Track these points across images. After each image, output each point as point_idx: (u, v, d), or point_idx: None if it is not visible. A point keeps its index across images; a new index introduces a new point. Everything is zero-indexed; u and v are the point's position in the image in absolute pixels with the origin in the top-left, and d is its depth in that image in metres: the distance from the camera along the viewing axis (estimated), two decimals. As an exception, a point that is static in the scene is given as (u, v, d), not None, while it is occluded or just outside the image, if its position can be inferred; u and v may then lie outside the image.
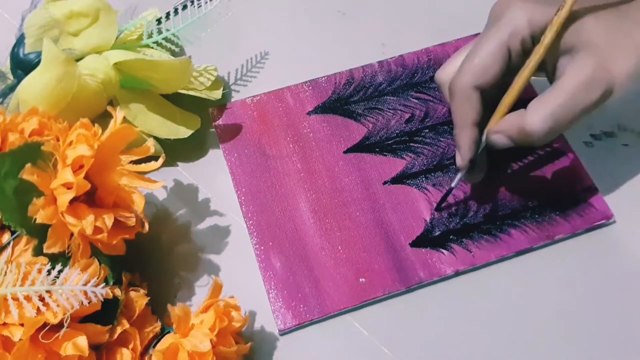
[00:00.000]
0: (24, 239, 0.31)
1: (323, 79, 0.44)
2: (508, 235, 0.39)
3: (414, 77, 0.45)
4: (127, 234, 0.33)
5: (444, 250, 0.38)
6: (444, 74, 0.37)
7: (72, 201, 0.29)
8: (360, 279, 0.37)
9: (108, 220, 0.31)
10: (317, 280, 0.37)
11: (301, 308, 0.36)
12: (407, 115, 0.43)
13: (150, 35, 0.41)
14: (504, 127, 0.34)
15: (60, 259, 0.30)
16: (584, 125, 0.43)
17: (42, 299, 0.27)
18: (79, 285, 0.28)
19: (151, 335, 0.33)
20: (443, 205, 0.39)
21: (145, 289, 0.34)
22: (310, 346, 0.36)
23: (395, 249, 0.38)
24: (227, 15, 0.48)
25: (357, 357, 0.36)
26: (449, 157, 0.41)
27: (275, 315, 0.36)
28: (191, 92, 0.41)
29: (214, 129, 0.43)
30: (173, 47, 0.41)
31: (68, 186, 0.29)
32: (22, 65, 0.39)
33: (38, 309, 0.27)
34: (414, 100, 0.44)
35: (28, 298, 0.27)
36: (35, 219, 0.29)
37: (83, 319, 0.30)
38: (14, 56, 0.39)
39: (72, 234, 0.30)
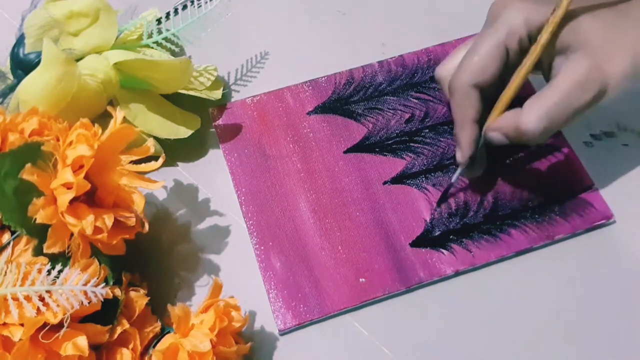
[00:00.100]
0: (24, 239, 0.31)
1: (323, 79, 0.44)
2: (508, 235, 0.39)
3: (414, 77, 0.45)
4: (127, 234, 0.33)
5: (444, 250, 0.38)
6: (444, 71, 0.38)
7: (72, 201, 0.29)
8: (360, 279, 0.37)
9: (108, 220, 0.31)
10: (317, 280, 0.37)
11: (301, 308, 0.36)
12: (407, 115, 0.43)
13: (150, 35, 0.41)
14: (501, 124, 0.34)
15: (60, 259, 0.30)
16: (584, 125, 0.43)
17: (42, 299, 0.27)
18: (79, 285, 0.28)
19: (151, 335, 0.33)
20: (444, 202, 0.40)
21: (145, 289, 0.34)
22: (310, 346, 0.36)
23: (395, 249, 0.38)
24: (227, 15, 0.48)
25: (357, 357, 0.36)
26: (449, 157, 0.41)
27: (275, 315, 0.36)
28: (191, 92, 0.41)
29: (214, 129, 0.43)
30: (173, 47, 0.41)
31: (68, 186, 0.29)
32: (22, 65, 0.39)
33: (38, 309, 0.27)
34: (414, 100, 0.44)
35: (28, 298, 0.27)
36: (35, 219, 0.29)
37: (83, 319, 0.30)
38: (14, 56, 0.39)
39: (72, 234, 0.30)
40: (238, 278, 0.37)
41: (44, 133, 0.34)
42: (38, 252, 0.30)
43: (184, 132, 0.40)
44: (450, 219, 0.39)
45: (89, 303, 0.28)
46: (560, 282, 0.38)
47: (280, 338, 0.36)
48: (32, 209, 0.28)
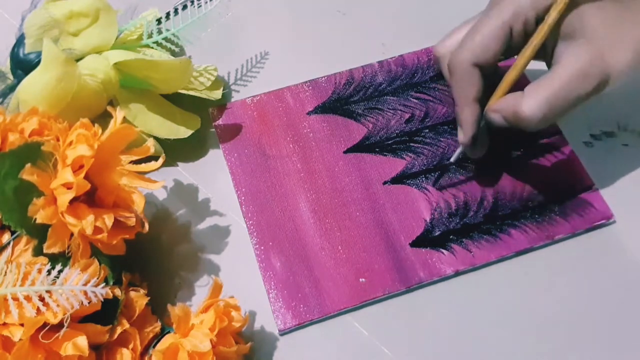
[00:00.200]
0: (24, 239, 0.31)
1: (323, 79, 0.44)
2: (508, 235, 0.39)
3: (414, 77, 0.45)
4: (127, 234, 0.33)
5: (444, 250, 0.38)
6: (442, 48, 0.37)
7: (72, 201, 0.29)
8: (360, 279, 0.37)
9: (108, 220, 0.31)
10: (317, 280, 0.37)
11: (301, 308, 0.36)
12: (407, 115, 0.43)
13: (150, 35, 0.41)
14: (501, 107, 0.34)
15: (60, 259, 0.30)
16: (584, 125, 0.43)
17: (42, 299, 0.27)
18: (79, 285, 0.28)
19: (151, 335, 0.33)
20: (442, 183, 0.40)
21: (145, 289, 0.34)
22: (310, 346, 0.36)
23: (395, 249, 0.38)
24: (227, 15, 0.48)
25: (357, 357, 0.36)
26: (449, 157, 0.41)
27: (275, 315, 0.36)
28: (191, 92, 0.41)
29: (214, 129, 0.43)
30: (173, 47, 0.41)
31: (68, 186, 0.29)
32: (22, 65, 0.39)
33: (38, 309, 0.27)
34: (414, 100, 0.44)
35: (28, 298, 0.27)
36: (35, 219, 0.29)
37: (83, 319, 0.30)
38: (14, 56, 0.39)
39: (72, 234, 0.30)
40: (238, 278, 0.37)
41: (44, 133, 0.34)
42: (38, 252, 0.30)
43: (184, 132, 0.40)
44: (450, 219, 0.39)
45: (89, 303, 0.28)
46: (560, 282, 0.38)
47: (280, 338, 0.36)
48: (32, 209, 0.28)
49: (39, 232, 0.30)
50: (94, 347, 0.30)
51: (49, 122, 0.34)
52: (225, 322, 0.31)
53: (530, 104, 0.32)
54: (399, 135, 0.42)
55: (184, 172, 0.41)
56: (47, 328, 0.27)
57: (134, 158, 0.33)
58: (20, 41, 0.39)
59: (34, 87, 0.36)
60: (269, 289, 0.37)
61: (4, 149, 0.32)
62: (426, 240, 0.39)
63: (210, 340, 0.30)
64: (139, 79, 0.39)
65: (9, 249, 0.31)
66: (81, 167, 0.30)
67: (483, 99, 0.36)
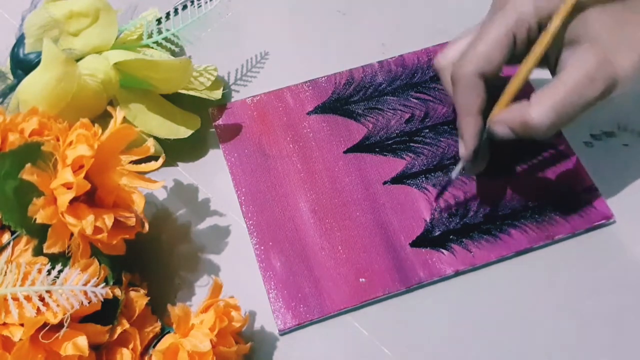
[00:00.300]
0: (24, 239, 0.31)
1: (323, 79, 0.44)
2: (508, 235, 0.39)
3: (414, 77, 0.45)
4: (127, 234, 0.33)
5: (444, 250, 0.38)
6: (444, 60, 0.36)
7: (72, 201, 0.29)
8: (360, 279, 0.37)
9: (108, 220, 0.31)
10: (317, 280, 0.37)
11: (301, 308, 0.36)
12: (407, 115, 0.43)
13: (150, 35, 0.41)
14: (507, 117, 0.33)
15: (60, 259, 0.30)
16: (584, 125, 0.43)
17: (42, 299, 0.27)
18: (79, 285, 0.28)
19: (151, 335, 0.33)
20: (442, 197, 0.39)
21: (145, 289, 0.34)
22: (310, 346, 0.36)
23: (395, 249, 0.38)
24: (227, 15, 0.48)
25: (357, 357, 0.36)
26: (449, 157, 0.41)
27: (275, 315, 0.36)
28: (191, 92, 0.41)
29: (214, 129, 0.43)
30: (173, 47, 0.41)
31: (68, 186, 0.29)
32: (22, 65, 0.39)
33: (38, 309, 0.27)
34: (414, 100, 0.44)
35: (28, 298, 0.27)
36: (35, 219, 0.29)
37: (83, 319, 0.30)
38: (14, 56, 0.39)
39: (72, 234, 0.30)
40: (238, 278, 0.37)
41: (44, 133, 0.34)
42: (38, 252, 0.30)
43: (184, 132, 0.40)
44: (450, 219, 0.39)
45: (89, 303, 0.28)
46: (560, 282, 0.38)
47: (280, 338, 0.36)
48: (32, 209, 0.28)
49: (39, 232, 0.30)
50: (94, 347, 0.30)
51: (49, 122, 0.34)
52: (225, 322, 0.31)
53: (539, 112, 0.31)
54: (399, 135, 0.42)
55: (184, 172, 0.41)
56: (47, 328, 0.27)
57: (134, 158, 0.33)
58: (20, 41, 0.39)
59: (34, 87, 0.36)
60: (269, 289, 0.37)
61: (4, 149, 0.32)
62: (426, 240, 0.39)
63: (210, 340, 0.30)
64: (139, 79, 0.39)
65: (9, 249, 0.31)
66: (81, 167, 0.30)
67: (485, 112, 0.34)
